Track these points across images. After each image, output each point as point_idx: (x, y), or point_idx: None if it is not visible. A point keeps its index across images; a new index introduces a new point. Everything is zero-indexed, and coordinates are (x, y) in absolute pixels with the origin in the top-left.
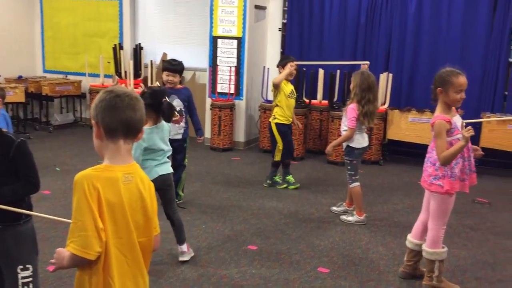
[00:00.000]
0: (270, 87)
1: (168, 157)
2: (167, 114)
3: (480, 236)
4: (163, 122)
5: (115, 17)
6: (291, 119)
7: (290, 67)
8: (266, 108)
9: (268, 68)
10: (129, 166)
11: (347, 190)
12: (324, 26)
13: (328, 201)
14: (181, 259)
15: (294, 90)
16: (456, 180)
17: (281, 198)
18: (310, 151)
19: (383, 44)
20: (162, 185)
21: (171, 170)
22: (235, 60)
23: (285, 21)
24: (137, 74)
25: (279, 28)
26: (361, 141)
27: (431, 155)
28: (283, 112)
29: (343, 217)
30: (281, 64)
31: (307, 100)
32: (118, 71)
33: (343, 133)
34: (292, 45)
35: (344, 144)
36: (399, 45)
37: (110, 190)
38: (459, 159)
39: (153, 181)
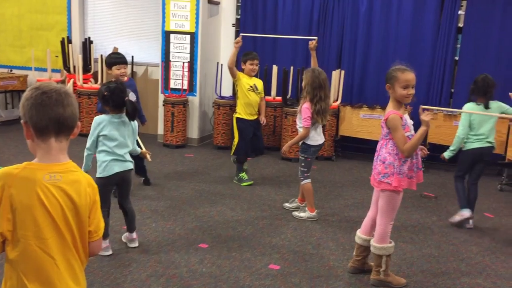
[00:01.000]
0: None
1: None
2: (132, 113)
3: (426, 230)
4: (127, 119)
5: (63, 9)
6: (253, 115)
7: (249, 65)
8: (220, 104)
9: (221, 64)
10: (58, 165)
11: (299, 186)
12: (277, 22)
13: (281, 198)
14: (131, 245)
15: (256, 85)
16: (404, 177)
17: (234, 196)
18: (264, 148)
19: (335, 41)
20: (119, 182)
21: (130, 167)
22: (188, 55)
23: (239, 17)
24: (86, 69)
25: (233, 24)
26: (316, 138)
27: (381, 153)
28: (242, 107)
29: (295, 213)
30: (243, 61)
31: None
32: (66, 66)
33: (299, 131)
34: (246, 41)
35: (300, 142)
36: (351, 43)
37: (24, 190)
38: None
39: (110, 177)
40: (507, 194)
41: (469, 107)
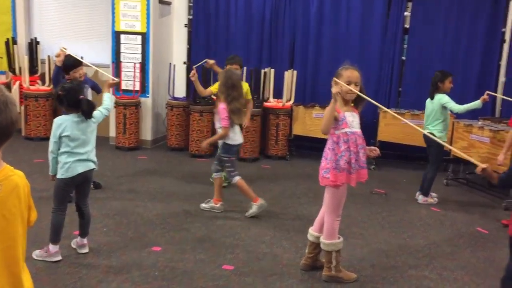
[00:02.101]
0: None
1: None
2: (87, 111)
3: (376, 225)
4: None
5: (7, 9)
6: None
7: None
8: (174, 106)
9: (174, 65)
10: None
11: (213, 187)
12: (230, 22)
13: (235, 198)
14: (81, 251)
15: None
16: (341, 172)
17: (188, 197)
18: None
19: (287, 41)
20: (81, 181)
21: (93, 166)
22: (139, 56)
23: (191, 17)
24: (33, 70)
25: (185, 24)
26: (236, 137)
27: (325, 150)
28: None
29: (202, 204)
30: (225, 65)
31: (214, 97)
32: (11, 67)
33: (218, 132)
34: (199, 41)
35: (220, 142)
36: (303, 43)
37: None
38: (344, 152)
39: (73, 178)
40: (452, 189)
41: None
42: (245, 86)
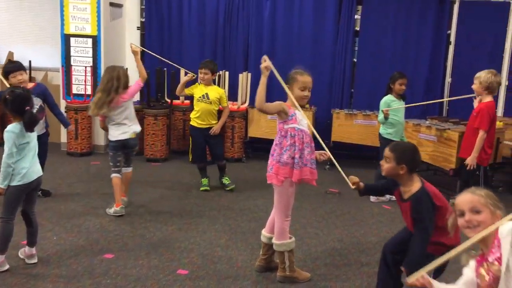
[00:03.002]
0: None
1: None
2: (28, 124)
3: (331, 225)
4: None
5: None
6: (205, 124)
7: (199, 74)
8: None
9: (127, 68)
10: None
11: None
12: (183, 26)
13: (191, 201)
14: (29, 261)
15: (208, 94)
16: (284, 166)
17: (142, 202)
18: (174, 152)
19: (241, 44)
20: (35, 187)
21: (41, 173)
22: (90, 59)
23: (143, 19)
24: None
25: (138, 27)
26: (115, 134)
27: (272, 147)
28: (194, 114)
29: (108, 209)
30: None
31: (169, 100)
32: None
33: None
34: (152, 44)
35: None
36: (257, 46)
37: None
38: (289, 146)
39: (30, 184)
40: None
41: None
42: (215, 92)
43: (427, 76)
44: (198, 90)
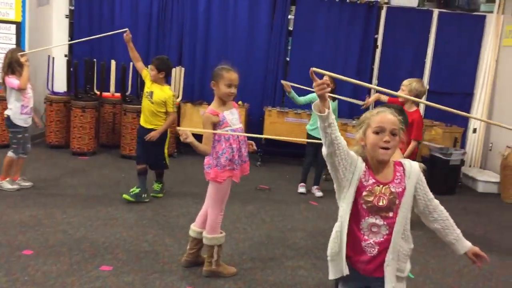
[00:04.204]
0: None
1: None
2: None
3: (259, 220)
4: None
5: None
6: (147, 124)
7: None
8: (53, 101)
9: (53, 58)
10: None
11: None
12: (115, 16)
13: (119, 196)
14: None
15: (153, 93)
16: (222, 169)
17: (66, 197)
18: (103, 146)
19: (175, 38)
20: None
21: None
22: (14, 47)
23: (72, 7)
24: None
25: (66, 15)
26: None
27: None
28: (141, 111)
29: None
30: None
31: (98, 93)
32: None
33: None
34: (81, 33)
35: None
36: (191, 40)
37: None
38: (226, 149)
39: None
40: (331, 184)
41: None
42: (165, 94)
43: (355, 78)
44: (148, 84)
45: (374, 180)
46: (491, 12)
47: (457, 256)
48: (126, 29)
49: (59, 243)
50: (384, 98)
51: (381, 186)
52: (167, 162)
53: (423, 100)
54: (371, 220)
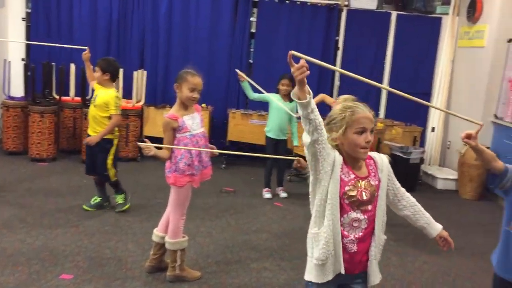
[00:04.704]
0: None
1: None
2: None
3: (224, 223)
4: None
5: None
6: (91, 131)
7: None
8: (10, 106)
9: (9, 62)
10: None
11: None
12: (73, 19)
13: (80, 203)
14: None
15: (97, 97)
16: (181, 174)
17: (25, 204)
18: (63, 151)
19: (136, 41)
20: None
21: None
22: None
23: (29, 10)
24: None
25: (23, 18)
26: None
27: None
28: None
29: None
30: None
31: (57, 97)
32: None
33: None
34: (39, 37)
35: None
36: (153, 43)
37: None
38: (184, 154)
39: None
40: (295, 185)
41: None
42: (107, 95)
43: (318, 79)
44: (96, 88)
45: (354, 175)
46: (447, 14)
47: (417, 253)
48: (86, 47)
49: (17, 252)
50: (330, 100)
51: (361, 180)
52: (109, 174)
53: (385, 86)
54: (354, 215)
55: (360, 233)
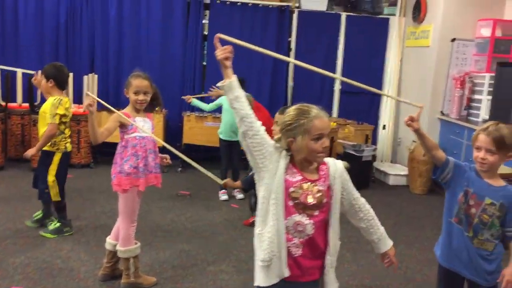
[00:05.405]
0: None
1: None
2: None
3: (180, 227)
4: None
5: None
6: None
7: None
8: None
9: None
10: None
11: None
12: (19, 23)
13: (30, 213)
14: None
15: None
16: (126, 176)
17: None
18: (12, 160)
19: (86, 45)
20: None
21: None
22: None
23: None
24: None
25: None
26: None
27: (115, 156)
28: None
29: None
30: None
31: (3, 103)
32: None
33: None
34: None
35: None
36: (103, 47)
37: None
38: (130, 156)
39: None
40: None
41: None
42: (47, 103)
43: (271, 81)
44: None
45: (302, 177)
46: (394, 15)
47: (370, 248)
48: (34, 72)
49: None
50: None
51: (309, 183)
52: (50, 192)
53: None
54: (298, 218)
55: (306, 238)
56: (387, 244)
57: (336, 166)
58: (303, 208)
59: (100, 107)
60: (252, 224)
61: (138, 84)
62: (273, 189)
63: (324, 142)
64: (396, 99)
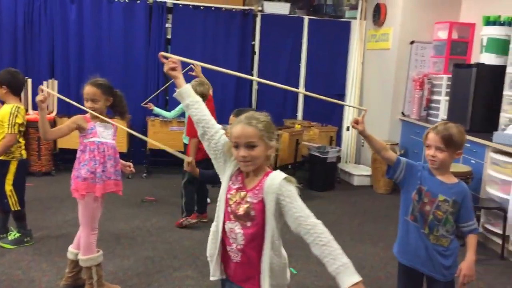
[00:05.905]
0: None
1: None
2: None
3: (145, 233)
4: None
5: None
6: None
7: None
8: None
9: None
10: None
11: None
12: None
13: None
14: None
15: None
16: (83, 181)
17: None
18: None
19: (45, 49)
20: None
21: None
22: None
23: None
24: None
25: None
26: None
27: (75, 162)
28: None
29: None
30: None
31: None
32: None
33: None
34: None
35: None
36: (63, 52)
37: None
38: (88, 160)
39: None
40: (217, 190)
41: None
42: (3, 111)
43: (236, 84)
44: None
45: (241, 185)
46: (355, 18)
47: None
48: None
49: None
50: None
51: (244, 192)
52: (10, 202)
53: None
54: (230, 225)
55: (240, 247)
56: (348, 281)
57: (272, 181)
58: (235, 216)
59: (60, 113)
60: (183, 226)
61: (85, 92)
62: (220, 192)
63: (240, 152)
64: (340, 103)
